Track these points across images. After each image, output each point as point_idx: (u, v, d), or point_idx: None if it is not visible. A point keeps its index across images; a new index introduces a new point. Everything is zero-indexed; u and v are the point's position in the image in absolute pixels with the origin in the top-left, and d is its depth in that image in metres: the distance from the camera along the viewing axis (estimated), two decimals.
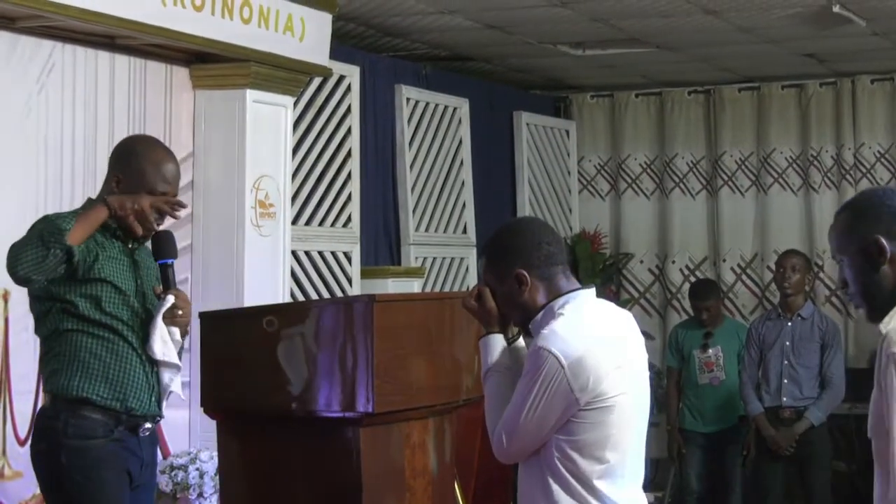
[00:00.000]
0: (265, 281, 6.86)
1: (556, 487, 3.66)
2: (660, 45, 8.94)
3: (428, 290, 8.82)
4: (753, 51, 9.22)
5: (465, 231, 9.51)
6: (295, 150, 7.43)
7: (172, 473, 6.24)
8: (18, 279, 4.37)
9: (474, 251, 9.53)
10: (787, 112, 10.35)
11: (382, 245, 8.77)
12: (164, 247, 4.68)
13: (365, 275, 8.08)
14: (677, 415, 8.90)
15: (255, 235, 6.79)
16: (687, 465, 8.80)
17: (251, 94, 6.75)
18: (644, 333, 10.35)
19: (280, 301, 6.81)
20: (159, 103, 6.61)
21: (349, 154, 8.05)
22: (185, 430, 6.44)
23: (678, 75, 10.27)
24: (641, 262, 10.75)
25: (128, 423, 4.57)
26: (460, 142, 9.52)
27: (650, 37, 8.72)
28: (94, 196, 4.79)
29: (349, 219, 8.02)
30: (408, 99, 8.97)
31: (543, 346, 3.60)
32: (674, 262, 10.59)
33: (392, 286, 8.12)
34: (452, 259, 9.35)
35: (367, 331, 4.85)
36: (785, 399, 8.04)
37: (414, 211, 8.96)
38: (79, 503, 4.50)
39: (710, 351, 8.75)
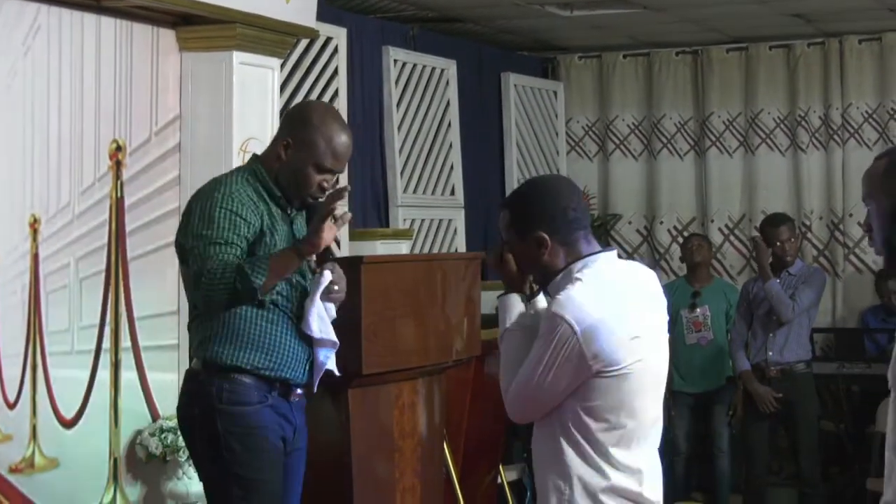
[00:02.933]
0: None
1: (569, 451, 3.64)
2: (647, 5, 8.92)
3: (416, 251, 8.83)
4: (741, 11, 9.21)
5: (452, 193, 9.51)
6: (282, 113, 7.41)
7: (162, 436, 6.25)
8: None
9: (462, 213, 9.53)
10: (774, 72, 10.34)
11: (370, 207, 8.77)
12: None
13: (353, 237, 8.07)
14: None
15: None
16: (675, 426, 8.82)
17: (238, 56, 6.72)
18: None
19: None
20: (145, 66, 6.58)
21: None
22: (175, 393, 6.43)
23: (666, 36, 10.25)
24: (629, 222, 10.76)
25: (280, 389, 4.53)
26: (448, 103, 9.51)
27: None
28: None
29: (337, 181, 7.99)
30: (395, 60, 8.95)
31: (558, 313, 3.57)
32: (662, 222, 10.60)
33: (380, 248, 8.12)
34: (441, 221, 9.36)
35: (355, 292, 4.85)
36: (770, 353, 8.06)
37: (402, 173, 8.96)
38: (236, 470, 4.45)
39: (698, 310, 8.78)
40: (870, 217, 3.49)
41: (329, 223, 4.37)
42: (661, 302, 3.86)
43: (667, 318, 3.87)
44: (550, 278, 3.75)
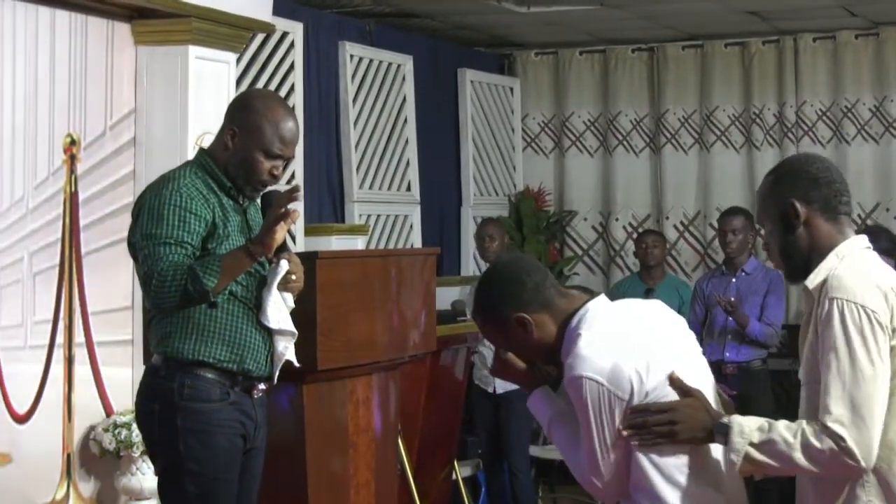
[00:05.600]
0: None
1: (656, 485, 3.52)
2: (604, 2, 8.94)
3: (372, 247, 8.83)
4: (697, 8, 9.24)
5: (409, 188, 9.51)
6: None
7: (116, 431, 6.23)
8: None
9: (418, 208, 9.53)
10: (729, 70, 10.38)
11: (326, 202, 8.76)
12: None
13: (308, 232, 8.06)
14: None
15: None
16: None
17: (193, 51, 6.70)
18: (587, 291, 10.39)
19: None
20: (100, 60, 6.55)
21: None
22: (129, 388, 6.42)
23: (622, 33, 10.28)
24: (585, 219, 10.78)
25: (243, 384, 4.50)
26: (404, 99, 9.50)
27: None
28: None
29: (293, 176, 8.00)
30: (352, 56, 8.94)
31: (575, 374, 3.47)
32: (617, 219, 10.63)
33: (336, 243, 8.12)
34: (396, 216, 9.35)
35: (310, 288, 4.84)
36: (727, 354, 8.10)
37: (358, 168, 8.95)
38: (192, 467, 4.42)
39: None
40: (767, 236, 3.65)
41: (280, 225, 4.36)
42: (674, 320, 3.76)
43: (689, 334, 3.76)
44: (556, 351, 3.65)
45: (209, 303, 4.37)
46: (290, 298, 4.57)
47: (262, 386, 4.58)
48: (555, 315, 3.64)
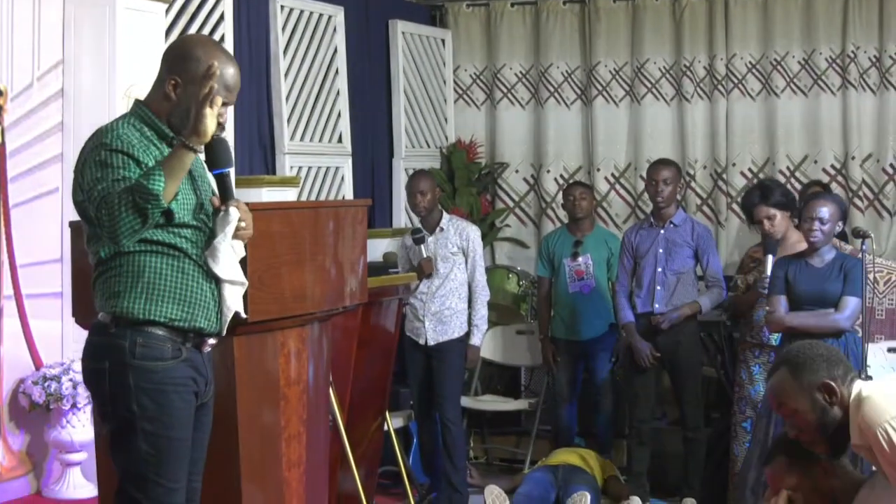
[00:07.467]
0: None
1: None
2: None
3: (304, 199, 8.80)
4: None
5: (340, 140, 9.49)
6: None
7: (45, 384, 6.20)
8: (121, 245, 4.27)
9: (350, 160, 9.51)
10: (660, 23, 10.42)
11: (257, 154, 8.72)
12: (220, 155, 4.46)
13: (239, 184, 8.00)
14: (549, 323, 8.97)
15: None
16: (559, 373, 8.89)
17: (122, 1, 6.65)
18: (519, 242, 10.46)
19: None
20: (28, 10, 6.49)
21: None
22: (58, 341, 6.40)
23: None
24: (517, 171, 10.81)
25: (194, 340, 4.45)
26: (335, 50, 9.47)
27: None
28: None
29: (223, 127, 7.94)
30: (282, 6, 8.89)
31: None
32: (548, 171, 10.66)
33: (267, 195, 8.09)
34: (328, 168, 9.33)
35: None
36: (657, 306, 8.14)
37: (288, 120, 8.91)
38: (144, 426, 4.35)
39: (580, 259, 8.82)
40: (796, 421, 4.05)
41: (208, 109, 4.30)
42: None
43: None
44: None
45: (165, 211, 4.23)
46: (239, 246, 4.52)
47: (211, 341, 4.55)
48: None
